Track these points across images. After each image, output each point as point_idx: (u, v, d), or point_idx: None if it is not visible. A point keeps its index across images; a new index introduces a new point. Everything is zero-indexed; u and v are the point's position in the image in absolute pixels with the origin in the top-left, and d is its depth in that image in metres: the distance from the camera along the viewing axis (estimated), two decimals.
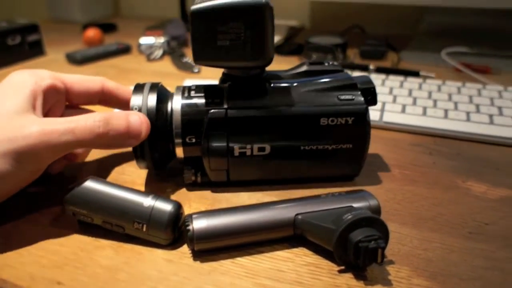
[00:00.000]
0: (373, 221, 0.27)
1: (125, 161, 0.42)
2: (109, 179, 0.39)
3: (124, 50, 0.80)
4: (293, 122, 0.34)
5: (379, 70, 0.64)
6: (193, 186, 0.37)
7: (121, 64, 0.75)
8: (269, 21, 0.30)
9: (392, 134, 0.47)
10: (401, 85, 0.56)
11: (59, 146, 0.30)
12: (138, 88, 0.36)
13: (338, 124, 0.34)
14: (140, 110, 0.34)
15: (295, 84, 0.35)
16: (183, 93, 0.35)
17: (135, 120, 0.32)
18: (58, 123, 0.30)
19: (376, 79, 0.59)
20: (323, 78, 0.36)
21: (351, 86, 0.35)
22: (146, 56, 0.77)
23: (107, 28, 0.97)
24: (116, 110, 0.42)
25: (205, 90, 0.35)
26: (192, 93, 0.35)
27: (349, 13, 0.94)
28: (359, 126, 0.34)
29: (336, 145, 0.34)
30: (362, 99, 0.34)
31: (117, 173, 0.40)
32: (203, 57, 0.31)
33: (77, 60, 0.74)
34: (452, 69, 0.66)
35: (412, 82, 0.57)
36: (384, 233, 0.28)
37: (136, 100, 0.35)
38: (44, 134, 0.29)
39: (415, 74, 0.63)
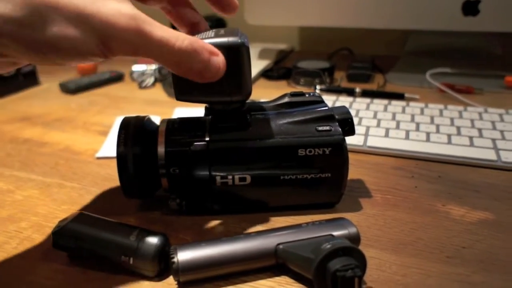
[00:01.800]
0: (350, 250, 0.28)
1: (113, 192, 0.43)
2: (98, 210, 0.39)
3: (117, 78, 0.82)
4: (272, 153, 0.35)
5: (365, 94, 0.66)
6: (178, 214, 0.38)
7: (114, 92, 0.76)
8: (245, 59, 0.32)
9: (375, 158, 0.48)
10: (385, 109, 0.58)
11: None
12: (126, 121, 0.37)
13: (316, 154, 0.35)
14: (126, 142, 0.35)
15: (274, 116, 0.37)
16: (167, 126, 0.36)
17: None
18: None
19: (362, 103, 0.60)
20: (302, 110, 0.37)
21: (329, 117, 0.36)
22: (138, 83, 0.78)
23: None
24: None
25: (188, 123, 0.36)
26: (176, 126, 0.36)
27: (337, 35, 0.97)
28: (337, 156, 0.35)
29: (315, 174, 0.35)
30: (340, 129, 0.36)
31: (106, 203, 0.41)
32: (184, 94, 0.33)
33: (70, 89, 0.75)
34: (436, 90, 0.68)
35: (396, 105, 0.59)
36: (361, 262, 0.28)
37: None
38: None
39: (400, 96, 0.65)
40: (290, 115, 0.37)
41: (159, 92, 0.75)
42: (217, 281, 0.31)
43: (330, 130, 0.36)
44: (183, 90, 0.33)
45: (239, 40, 0.31)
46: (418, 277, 0.30)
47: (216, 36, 0.32)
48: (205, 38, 0.32)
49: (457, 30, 0.67)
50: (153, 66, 0.81)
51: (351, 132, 0.37)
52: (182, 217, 0.38)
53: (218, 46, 0.31)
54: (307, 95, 0.39)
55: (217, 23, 0.91)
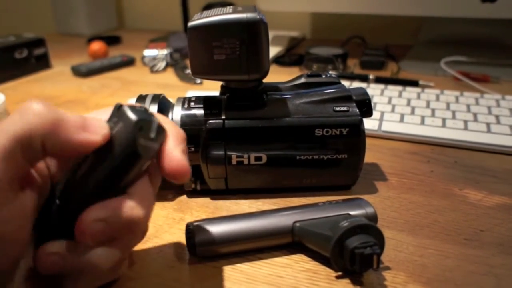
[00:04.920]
0: (368, 228, 0.28)
1: None
2: None
3: (128, 62, 0.82)
4: (289, 133, 0.35)
5: (378, 80, 0.65)
6: (193, 194, 0.38)
7: (125, 76, 0.76)
8: (263, 36, 0.31)
9: (390, 143, 0.47)
10: (400, 95, 0.57)
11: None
12: (141, 99, 0.37)
13: (333, 135, 0.35)
14: None
15: (291, 96, 0.36)
16: (183, 104, 0.36)
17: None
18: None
19: (375, 89, 0.60)
20: (319, 90, 0.37)
21: (347, 97, 0.36)
22: (150, 68, 0.78)
23: (112, 40, 0.99)
24: None
25: (204, 101, 0.36)
26: (192, 104, 0.36)
27: (349, 23, 0.96)
28: (354, 137, 0.35)
29: (331, 155, 0.35)
30: (357, 110, 0.35)
31: None
32: (201, 71, 0.33)
33: (82, 72, 0.75)
34: (451, 78, 0.67)
35: (410, 91, 0.58)
36: (379, 240, 0.28)
37: None
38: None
39: (414, 83, 0.64)
40: (307, 95, 0.36)
41: (170, 76, 0.75)
42: (232, 257, 0.31)
43: (347, 111, 0.35)
44: (199, 67, 0.33)
45: (258, 16, 0.31)
46: (436, 258, 0.30)
47: (234, 12, 0.32)
48: (223, 14, 0.31)
49: (474, 17, 0.66)
50: (165, 51, 0.81)
51: (369, 113, 0.36)
52: (197, 196, 0.38)
53: (236, 21, 0.31)
54: (323, 76, 0.39)
55: None
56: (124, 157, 0.23)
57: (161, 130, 0.24)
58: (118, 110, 0.24)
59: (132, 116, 0.23)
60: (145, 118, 0.23)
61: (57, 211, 0.25)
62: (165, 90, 0.67)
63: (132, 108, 0.23)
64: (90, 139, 0.22)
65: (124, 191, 0.24)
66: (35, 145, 0.21)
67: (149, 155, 0.24)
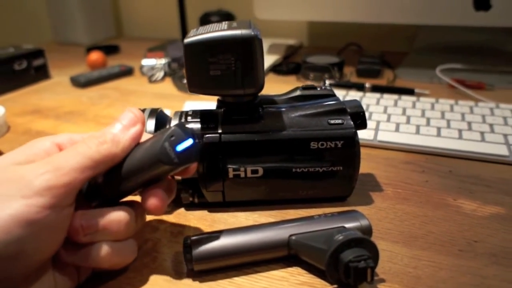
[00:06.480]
0: (363, 241, 0.28)
1: None
2: None
3: (127, 72, 0.83)
4: (284, 146, 0.35)
5: (375, 89, 0.66)
6: (191, 207, 0.39)
7: (124, 86, 0.77)
8: (258, 52, 0.32)
9: (386, 153, 0.48)
10: (396, 104, 0.58)
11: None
12: None
13: (328, 147, 0.35)
14: None
15: (286, 109, 0.37)
16: (180, 118, 0.37)
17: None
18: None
19: (371, 98, 0.60)
20: (314, 103, 0.37)
21: (341, 110, 0.36)
22: (148, 77, 0.79)
23: (110, 49, 1.00)
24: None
25: (201, 115, 0.37)
26: (189, 118, 0.36)
27: (346, 31, 0.97)
28: (349, 149, 0.35)
29: (326, 167, 0.36)
30: (352, 123, 0.36)
31: None
32: (197, 86, 0.33)
33: (80, 83, 0.76)
34: (447, 86, 0.67)
35: (406, 100, 0.59)
36: (373, 253, 0.29)
37: None
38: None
39: (410, 91, 0.65)
40: (302, 108, 0.37)
41: (169, 86, 0.75)
42: (229, 270, 0.31)
43: (342, 124, 0.36)
44: (195, 83, 0.34)
45: (252, 33, 0.32)
46: (430, 270, 0.31)
47: (229, 28, 0.32)
48: (218, 31, 0.32)
49: (468, 25, 0.67)
50: (163, 61, 0.82)
51: (363, 125, 0.37)
52: (194, 209, 0.38)
53: (231, 38, 0.32)
54: (318, 89, 0.39)
55: (226, 18, 0.91)
56: (148, 153, 0.27)
57: (191, 155, 0.27)
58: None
59: (173, 126, 0.28)
60: (180, 132, 0.27)
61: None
62: (163, 100, 0.68)
63: (182, 124, 0.28)
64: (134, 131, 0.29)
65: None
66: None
67: (164, 162, 0.27)
